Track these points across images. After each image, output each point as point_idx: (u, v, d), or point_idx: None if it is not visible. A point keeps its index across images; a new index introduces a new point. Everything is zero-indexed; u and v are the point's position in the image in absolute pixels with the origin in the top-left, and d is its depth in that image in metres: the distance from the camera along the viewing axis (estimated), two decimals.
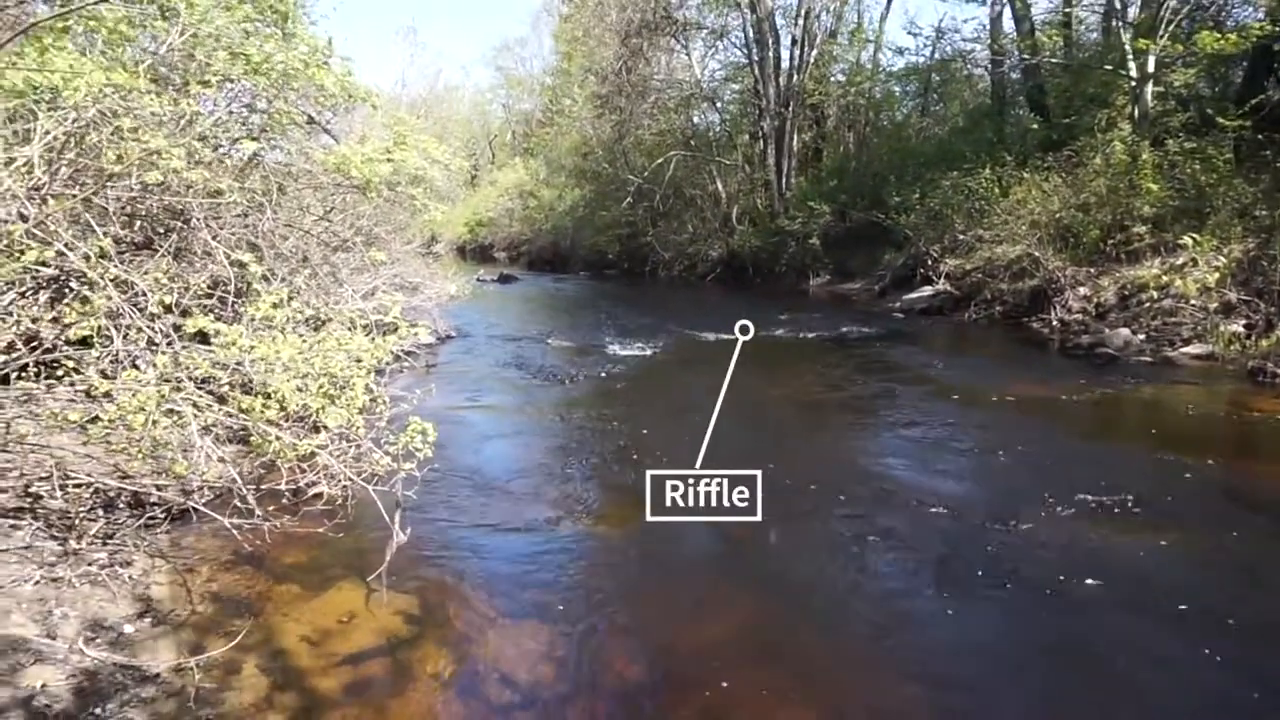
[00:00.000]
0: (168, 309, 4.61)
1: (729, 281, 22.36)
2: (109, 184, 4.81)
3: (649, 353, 10.71)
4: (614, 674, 3.36)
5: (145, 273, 4.92)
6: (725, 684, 3.23)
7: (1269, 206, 10.61)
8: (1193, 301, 10.13)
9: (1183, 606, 3.68)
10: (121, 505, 4.43)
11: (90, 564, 3.79)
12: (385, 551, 3.92)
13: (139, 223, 5.90)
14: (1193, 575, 4.10)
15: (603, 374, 9.29)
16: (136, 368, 4.21)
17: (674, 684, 3.28)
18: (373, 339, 4.95)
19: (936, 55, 21.03)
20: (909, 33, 32.17)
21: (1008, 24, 17.78)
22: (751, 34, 23.00)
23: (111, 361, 4.35)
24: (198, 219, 5.56)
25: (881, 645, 3.56)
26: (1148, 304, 10.73)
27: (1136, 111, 13.64)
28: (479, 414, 7.70)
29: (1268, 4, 12.40)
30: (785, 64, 23.07)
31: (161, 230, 5.97)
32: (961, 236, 14.84)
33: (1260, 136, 11.69)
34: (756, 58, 23.01)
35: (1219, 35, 11.73)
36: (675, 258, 24.77)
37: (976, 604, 3.84)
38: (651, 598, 4.03)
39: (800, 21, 22.40)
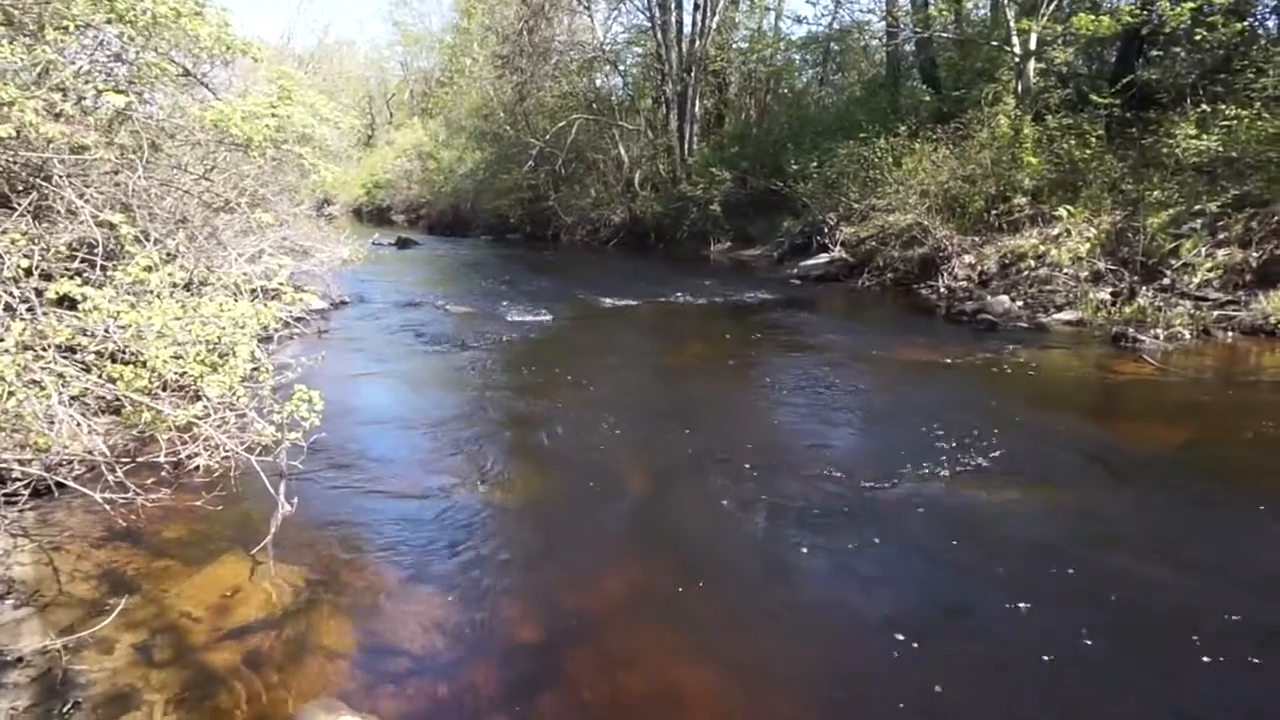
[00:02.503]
0: (28, 272, 4.31)
1: (631, 246, 22.35)
2: None
3: (549, 318, 10.64)
4: (509, 638, 3.37)
5: (2, 233, 4.58)
6: (620, 644, 3.30)
7: (1135, 181, 11.28)
8: (1066, 270, 10.71)
9: (1041, 558, 3.93)
10: None
11: None
12: (270, 523, 3.81)
13: None
14: (1053, 528, 4.37)
15: (501, 340, 9.20)
16: None
17: (570, 645, 3.31)
18: (256, 305, 4.76)
19: (835, 25, 21.38)
20: (808, 1, 32.63)
21: None
22: None
23: None
24: (60, 176, 5.19)
25: (767, 602, 3.68)
26: (1026, 272, 11.29)
27: (1020, 87, 14.22)
28: (372, 381, 7.52)
29: None
30: (687, 28, 23.00)
31: (20, 189, 5.55)
32: (856, 205, 15.21)
33: (1129, 114, 12.38)
34: (659, 21, 22.88)
35: (1094, 17, 12.32)
36: (578, 223, 24.58)
37: (855, 560, 4.00)
38: (546, 562, 4.04)
39: None
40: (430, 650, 3.24)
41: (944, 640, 3.31)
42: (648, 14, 23.63)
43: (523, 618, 3.50)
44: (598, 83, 27.02)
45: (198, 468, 4.33)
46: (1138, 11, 12.40)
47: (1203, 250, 9.81)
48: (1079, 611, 3.44)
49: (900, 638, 3.27)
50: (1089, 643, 3.20)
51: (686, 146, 22.88)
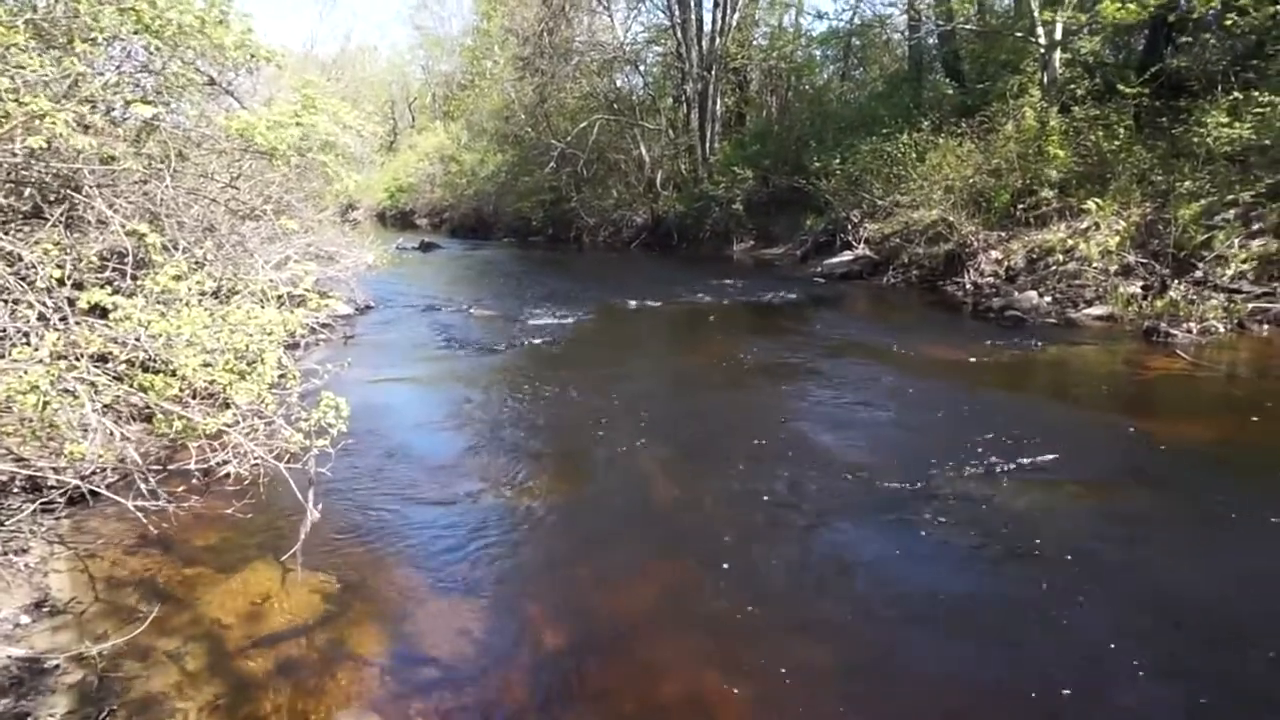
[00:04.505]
0: (60, 282, 4.37)
1: (654, 247, 22.34)
2: None
3: (572, 321, 10.65)
4: (539, 646, 3.36)
5: (35, 243, 4.65)
6: (651, 652, 3.28)
7: (1164, 172, 11.06)
8: (1095, 264, 10.53)
9: (1076, 557, 3.86)
10: (15, 490, 4.22)
11: None
12: (299, 530, 3.83)
13: (28, 190, 5.56)
14: (1090, 529, 4.29)
15: (526, 344, 9.21)
16: (28, 345, 3.98)
17: (600, 653, 3.30)
18: (283, 311, 4.79)
19: (856, 20, 21.20)
20: None
21: None
22: None
23: None
24: (90, 186, 5.25)
25: (800, 608, 3.63)
26: (1054, 267, 11.12)
27: (1046, 78, 14.02)
28: (398, 386, 7.56)
29: None
30: (707, 26, 22.92)
31: (52, 199, 5.63)
32: (880, 202, 15.07)
33: (1158, 104, 12.16)
34: (679, 20, 22.82)
35: (1120, 4, 12.11)
36: (600, 224, 24.58)
37: (888, 565, 3.96)
38: (575, 567, 4.03)
39: None
40: (460, 658, 3.24)
41: (982, 646, 3.27)
42: (667, 12, 23.60)
43: (552, 624, 3.49)
44: (618, 83, 27.02)
45: (228, 475, 4.37)
46: None
47: (1236, 241, 9.60)
48: (1118, 611, 3.37)
49: (937, 645, 3.22)
50: (1131, 645, 3.14)
51: (708, 145, 22.82)
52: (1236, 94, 10.83)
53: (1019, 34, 14.99)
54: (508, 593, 3.74)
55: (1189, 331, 8.46)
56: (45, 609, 3.42)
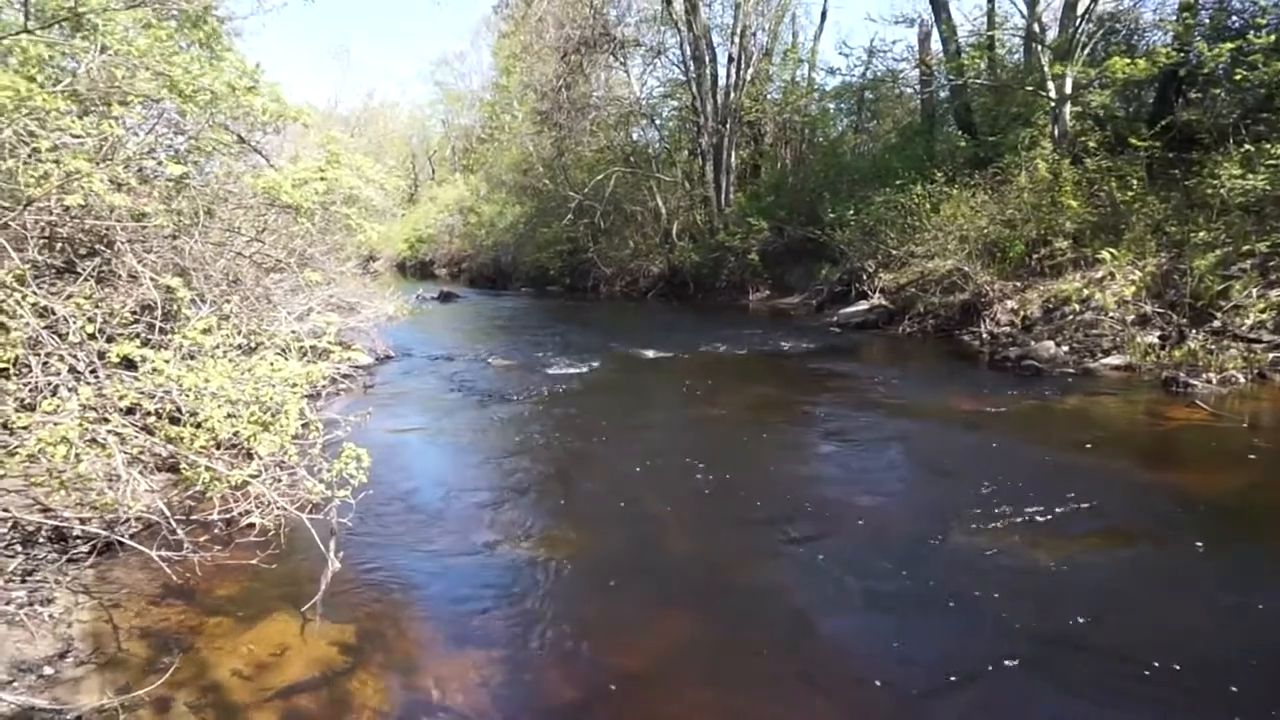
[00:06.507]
0: (91, 336, 4.49)
1: (670, 297, 22.51)
2: (27, 208, 4.66)
3: (589, 371, 10.72)
4: (555, 699, 3.36)
5: (67, 298, 4.78)
6: (666, 706, 3.27)
7: (1179, 222, 11.11)
8: (1111, 314, 10.53)
9: (1100, 616, 3.83)
10: (42, 540, 4.29)
11: (7, 603, 3.66)
12: (320, 581, 3.86)
13: (60, 245, 5.73)
14: (1110, 584, 4.25)
15: (543, 394, 9.28)
16: (59, 398, 4.08)
17: (615, 707, 3.29)
18: (306, 363, 4.89)
19: (868, 74, 21.56)
20: (841, 53, 33.14)
21: (936, 45, 18.36)
22: (689, 51, 23.28)
23: (31, 391, 4.21)
24: (122, 242, 5.42)
25: (815, 664, 3.61)
26: (1070, 317, 11.13)
27: (1056, 130, 14.20)
28: (417, 437, 7.62)
29: (1175, 29, 13.05)
30: (722, 81, 23.40)
31: (84, 254, 5.80)
32: (895, 252, 15.18)
33: (1170, 155, 12.26)
34: (694, 75, 23.29)
35: (1129, 60, 12.31)
36: (617, 274, 24.85)
37: (906, 620, 3.93)
38: (592, 620, 4.03)
39: (736, 39, 22.78)
40: (476, 711, 3.23)
41: (1001, 702, 3.23)
42: (682, 68, 24.12)
43: (568, 678, 3.48)
44: (634, 136, 27.55)
45: (251, 525, 4.42)
46: (1174, 53, 12.37)
47: (1254, 291, 9.59)
48: (1139, 669, 3.34)
49: (954, 701, 3.19)
50: (1152, 702, 3.10)
51: (723, 197, 23.13)
52: (1248, 146, 10.92)
53: (1029, 88, 15.20)
54: (524, 645, 3.73)
55: (1209, 382, 8.41)
56: (69, 659, 3.45)
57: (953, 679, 3.38)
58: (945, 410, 8.14)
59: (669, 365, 11.53)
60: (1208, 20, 13.44)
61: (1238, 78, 11.50)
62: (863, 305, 15.23)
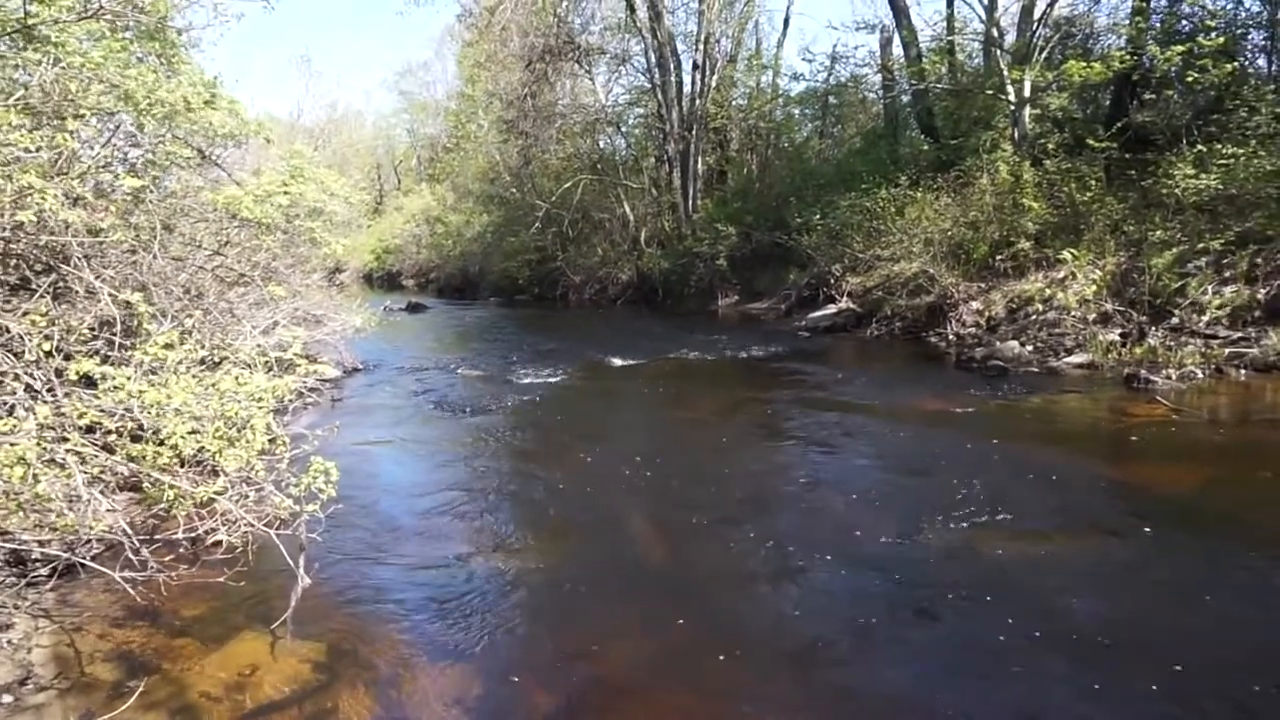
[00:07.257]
0: (48, 354, 4.39)
1: (639, 304, 22.52)
2: None
3: (559, 380, 10.69)
4: (533, 711, 3.33)
5: (23, 315, 4.67)
6: (640, 716, 3.25)
7: (1136, 222, 11.35)
8: (1073, 313, 10.72)
9: (1066, 613, 3.88)
10: None
11: None
12: (289, 598, 3.80)
13: (14, 262, 5.60)
14: (1074, 579, 4.32)
15: (513, 403, 9.23)
16: (15, 417, 3.98)
17: (597, 717, 3.28)
18: (272, 377, 4.82)
19: (832, 80, 21.77)
20: (804, 59, 33.46)
21: (897, 50, 18.59)
22: (653, 59, 23.35)
23: None
24: (78, 258, 5.31)
25: (788, 669, 3.62)
26: (1034, 316, 11.31)
27: (1017, 133, 14.43)
28: (386, 449, 7.54)
29: (1128, 33, 13.34)
30: (687, 88, 23.49)
31: (39, 270, 5.68)
32: (861, 255, 15.31)
33: (1126, 156, 12.53)
34: (659, 82, 23.37)
35: (1086, 64, 12.55)
36: (585, 282, 24.81)
37: (878, 623, 3.96)
38: (565, 630, 4.00)
39: (700, 46, 22.87)
40: None
41: (972, 700, 3.26)
42: (648, 75, 24.17)
43: (543, 689, 3.46)
44: (601, 144, 27.56)
45: (217, 543, 4.35)
46: (1128, 57, 12.64)
47: (1209, 288, 9.81)
48: (1107, 665, 3.39)
49: (927, 702, 3.22)
50: (1120, 699, 3.15)
51: (690, 203, 23.20)
52: (1201, 146, 11.18)
53: (989, 91, 15.44)
54: (498, 657, 3.71)
55: (1169, 378, 8.59)
56: (29, 685, 3.37)
57: (927, 676, 3.41)
58: (913, 411, 8.23)
59: (638, 372, 11.52)
60: (1159, 24, 13.75)
61: (1189, 80, 11.78)
62: (831, 309, 15.35)
